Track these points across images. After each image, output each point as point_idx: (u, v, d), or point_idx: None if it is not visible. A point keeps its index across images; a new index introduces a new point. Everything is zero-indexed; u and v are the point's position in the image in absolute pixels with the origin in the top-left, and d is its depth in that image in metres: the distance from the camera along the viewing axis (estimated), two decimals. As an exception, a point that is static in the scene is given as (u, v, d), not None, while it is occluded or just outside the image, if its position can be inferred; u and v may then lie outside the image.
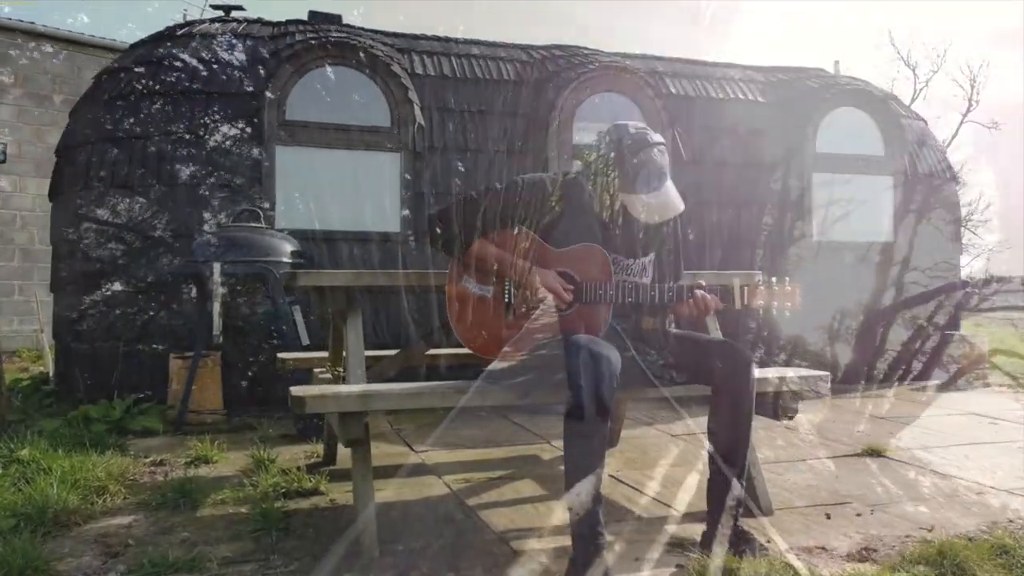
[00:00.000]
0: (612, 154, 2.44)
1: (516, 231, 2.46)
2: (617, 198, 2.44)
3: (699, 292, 2.43)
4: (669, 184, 2.44)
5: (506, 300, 2.46)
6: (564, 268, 2.45)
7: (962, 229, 10.49)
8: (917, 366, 6.57)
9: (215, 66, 5.37)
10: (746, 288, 2.44)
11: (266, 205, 5.15)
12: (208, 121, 5.23)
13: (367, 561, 2.42)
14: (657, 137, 2.47)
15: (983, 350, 6.46)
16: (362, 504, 2.52)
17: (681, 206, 2.45)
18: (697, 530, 2.57)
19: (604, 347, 2.23)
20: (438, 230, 2.50)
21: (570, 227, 2.48)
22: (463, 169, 5.60)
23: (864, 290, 6.43)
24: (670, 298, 2.43)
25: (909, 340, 6.56)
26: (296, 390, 2.47)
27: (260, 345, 4.80)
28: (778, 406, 2.92)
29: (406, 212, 5.45)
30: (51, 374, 5.87)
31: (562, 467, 2.22)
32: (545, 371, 2.44)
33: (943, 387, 6.25)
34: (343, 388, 2.61)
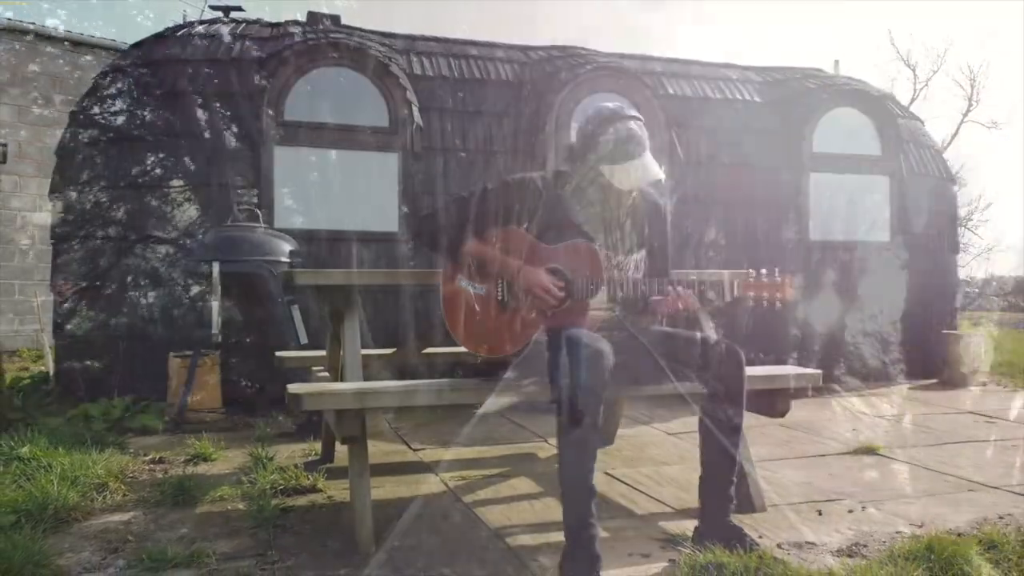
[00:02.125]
0: (591, 128, 2.52)
1: (507, 230, 2.49)
2: (602, 181, 2.49)
3: (680, 288, 2.47)
4: (647, 154, 2.51)
5: (499, 299, 2.49)
6: (555, 265, 2.47)
7: (962, 229, 10.54)
8: (914, 365, 6.60)
9: (214, 67, 5.40)
10: (736, 281, 2.47)
11: (264, 205, 5.17)
12: (207, 121, 5.26)
13: (363, 557, 2.45)
14: (633, 112, 2.57)
15: (980, 349, 6.48)
16: (359, 501, 2.55)
17: (660, 173, 2.50)
18: (690, 526, 2.61)
19: (598, 341, 2.26)
20: (431, 231, 2.53)
21: (561, 224, 2.51)
22: (461, 169, 5.63)
23: (861, 290, 6.45)
24: (661, 292, 2.45)
25: (906, 339, 6.59)
26: (293, 388, 2.50)
27: (259, 344, 4.82)
28: (771, 403, 2.94)
29: (404, 212, 5.48)
30: (51, 373, 5.89)
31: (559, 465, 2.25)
32: (541, 368, 2.46)
33: (939, 386, 6.28)
34: (339, 386, 2.63)
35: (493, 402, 2.46)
